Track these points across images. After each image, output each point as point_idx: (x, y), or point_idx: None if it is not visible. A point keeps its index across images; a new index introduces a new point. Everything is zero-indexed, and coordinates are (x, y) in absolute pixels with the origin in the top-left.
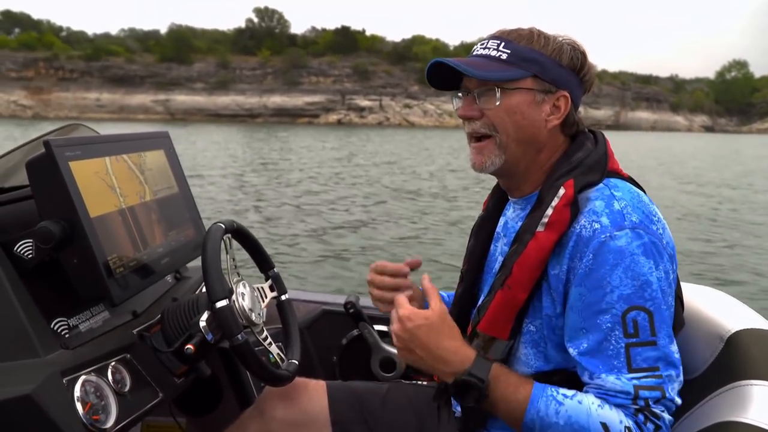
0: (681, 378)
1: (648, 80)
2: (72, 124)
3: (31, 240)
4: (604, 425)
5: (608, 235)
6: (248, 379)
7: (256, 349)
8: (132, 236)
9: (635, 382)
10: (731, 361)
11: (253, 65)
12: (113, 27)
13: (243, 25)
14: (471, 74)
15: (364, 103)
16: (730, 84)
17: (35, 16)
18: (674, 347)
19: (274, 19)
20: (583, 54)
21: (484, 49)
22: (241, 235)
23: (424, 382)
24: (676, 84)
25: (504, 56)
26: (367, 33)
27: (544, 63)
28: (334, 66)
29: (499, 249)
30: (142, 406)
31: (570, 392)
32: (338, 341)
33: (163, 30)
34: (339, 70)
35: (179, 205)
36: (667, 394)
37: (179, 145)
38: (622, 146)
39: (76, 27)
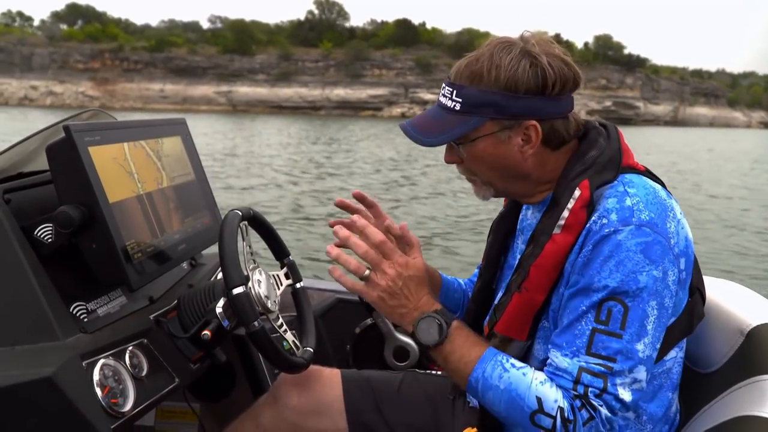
0: (638, 379)
1: (700, 74)
2: (91, 110)
3: (50, 224)
4: (539, 399)
5: (612, 229)
6: (262, 366)
7: (272, 336)
8: (150, 222)
9: (582, 364)
10: (751, 355)
11: (315, 57)
12: (153, 19)
13: (291, 17)
14: (424, 144)
15: (427, 96)
16: None
17: (96, 8)
18: (642, 347)
19: (334, 11)
20: (543, 68)
21: (443, 96)
22: (257, 222)
23: (438, 372)
24: (732, 78)
25: (458, 106)
26: (427, 26)
27: (497, 102)
28: (396, 59)
29: (519, 246)
30: (159, 391)
31: (520, 364)
32: (352, 330)
33: (203, 22)
34: (401, 63)
35: (196, 192)
36: (610, 388)
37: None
38: None
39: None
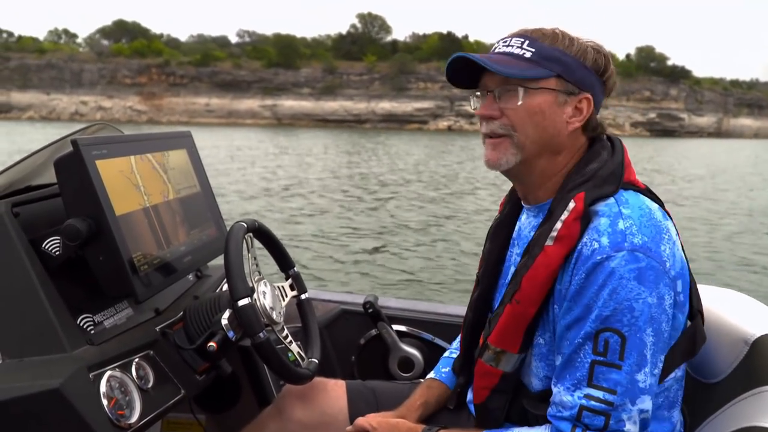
0: (644, 410)
1: (739, 85)
2: (98, 124)
3: (58, 237)
4: None
5: (604, 256)
6: (267, 377)
7: (277, 347)
8: (156, 234)
9: (583, 402)
10: (756, 365)
11: (359, 71)
12: (180, 33)
13: (323, 31)
14: (495, 70)
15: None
16: None
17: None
18: (643, 377)
19: (376, 25)
20: (606, 57)
21: (507, 46)
22: (262, 234)
23: None
24: None
25: (528, 54)
26: (470, 39)
27: (568, 63)
28: (441, 72)
29: (514, 256)
30: (165, 402)
31: None
32: (357, 341)
33: (231, 36)
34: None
35: (201, 204)
36: (612, 425)
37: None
38: None
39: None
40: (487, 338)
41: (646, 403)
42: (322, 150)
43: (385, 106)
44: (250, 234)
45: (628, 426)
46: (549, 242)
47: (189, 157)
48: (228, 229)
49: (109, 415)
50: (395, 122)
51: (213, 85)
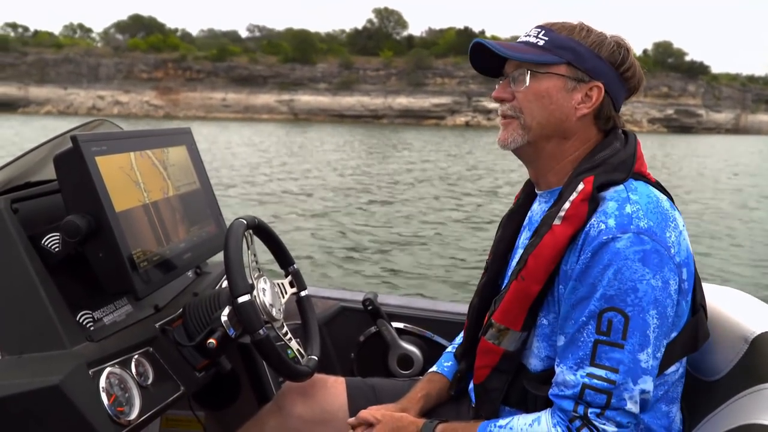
0: (646, 390)
1: (755, 80)
2: (97, 120)
3: (58, 234)
4: None
5: (611, 236)
6: (267, 374)
7: (276, 344)
8: (155, 231)
9: (585, 380)
10: (756, 363)
11: (376, 66)
12: (191, 28)
13: (335, 26)
14: (503, 53)
15: (491, 105)
16: None
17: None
18: (645, 357)
19: (393, 20)
20: (627, 51)
21: (526, 36)
22: (262, 231)
23: None
24: None
25: (541, 42)
26: (486, 33)
27: (580, 52)
28: (459, 67)
29: (522, 240)
30: (164, 399)
31: (505, 421)
32: (356, 338)
33: (242, 31)
34: (464, 72)
35: (201, 201)
36: (615, 403)
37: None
38: None
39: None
40: (491, 316)
41: (648, 383)
42: (349, 147)
43: (402, 101)
44: (250, 231)
45: (629, 405)
46: (557, 221)
47: (189, 153)
48: (228, 225)
49: (109, 411)
50: (412, 118)
51: (229, 80)
